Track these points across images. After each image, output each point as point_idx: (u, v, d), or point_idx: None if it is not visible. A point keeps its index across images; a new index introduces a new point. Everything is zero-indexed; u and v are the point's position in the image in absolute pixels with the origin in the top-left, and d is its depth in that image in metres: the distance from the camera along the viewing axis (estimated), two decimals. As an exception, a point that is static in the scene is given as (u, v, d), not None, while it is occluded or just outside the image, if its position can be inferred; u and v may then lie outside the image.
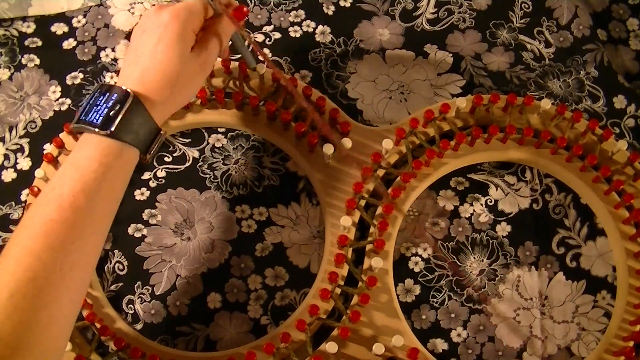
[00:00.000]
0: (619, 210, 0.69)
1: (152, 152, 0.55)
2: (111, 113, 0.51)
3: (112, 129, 0.51)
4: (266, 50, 0.76)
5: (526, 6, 0.81)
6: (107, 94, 0.52)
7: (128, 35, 0.76)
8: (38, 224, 0.48)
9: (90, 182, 0.49)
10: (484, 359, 0.66)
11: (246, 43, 0.70)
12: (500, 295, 0.68)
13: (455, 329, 0.67)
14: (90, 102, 0.52)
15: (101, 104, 0.52)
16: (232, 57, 0.72)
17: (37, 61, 0.75)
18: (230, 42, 0.65)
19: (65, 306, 0.48)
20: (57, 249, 0.47)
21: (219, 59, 0.68)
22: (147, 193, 0.69)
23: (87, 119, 0.51)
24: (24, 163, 0.71)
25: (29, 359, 0.45)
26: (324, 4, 0.79)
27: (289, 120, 0.68)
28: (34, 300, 0.46)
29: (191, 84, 0.57)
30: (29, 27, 0.76)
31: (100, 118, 0.51)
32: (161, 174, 0.70)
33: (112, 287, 0.66)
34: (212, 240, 0.68)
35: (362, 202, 0.67)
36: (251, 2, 0.78)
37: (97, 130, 0.51)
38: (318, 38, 0.77)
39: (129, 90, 0.52)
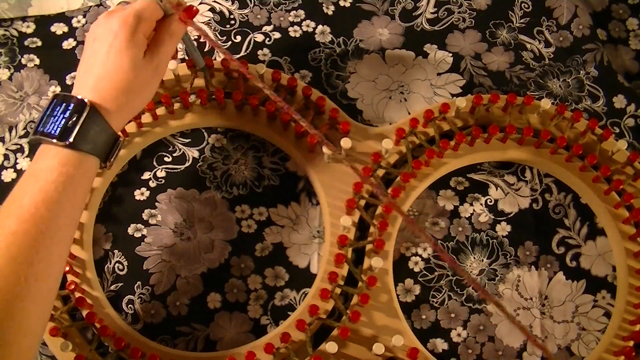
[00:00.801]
0: (619, 210, 0.69)
1: (112, 159, 0.55)
2: (69, 123, 0.51)
3: (71, 139, 0.51)
4: (266, 50, 0.76)
5: (526, 6, 0.81)
6: (64, 104, 0.52)
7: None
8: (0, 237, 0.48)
9: (51, 193, 0.49)
10: (484, 359, 0.66)
11: (195, 41, 0.70)
12: (500, 295, 0.68)
13: (455, 329, 0.67)
14: (47, 113, 0.52)
15: (58, 115, 0.51)
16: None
17: (37, 61, 0.75)
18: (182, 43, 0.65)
19: (33, 318, 0.48)
20: (20, 260, 0.47)
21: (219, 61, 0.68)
22: (147, 193, 0.69)
23: (44, 130, 0.51)
24: (24, 163, 0.71)
25: None
26: (323, 4, 0.79)
27: (289, 120, 0.68)
28: (0, 314, 0.46)
29: (147, 89, 0.57)
30: (29, 27, 0.76)
31: (58, 129, 0.51)
32: (161, 174, 0.70)
33: (112, 287, 0.66)
34: (212, 240, 0.68)
35: (362, 202, 0.67)
36: (251, 2, 0.78)
37: (55, 141, 0.51)
38: (318, 38, 0.77)
39: (85, 99, 0.52)
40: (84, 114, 0.51)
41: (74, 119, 0.51)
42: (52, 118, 0.52)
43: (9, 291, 0.46)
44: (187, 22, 0.57)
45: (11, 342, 0.46)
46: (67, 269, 0.62)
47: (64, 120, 0.51)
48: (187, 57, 0.69)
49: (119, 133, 0.56)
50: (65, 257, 0.53)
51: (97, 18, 0.56)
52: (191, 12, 0.58)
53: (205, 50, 0.76)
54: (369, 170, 0.66)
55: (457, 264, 0.57)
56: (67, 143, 0.51)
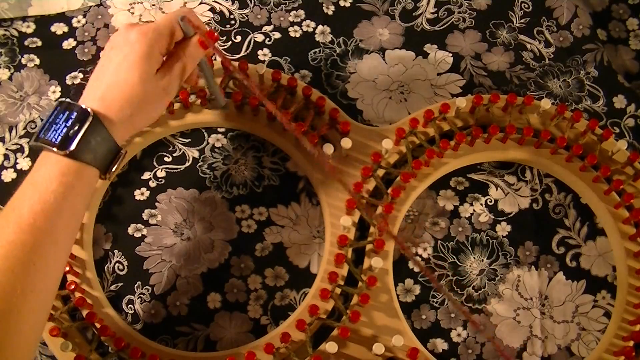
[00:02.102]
0: (619, 210, 0.69)
1: (113, 171, 0.54)
2: (70, 132, 0.50)
3: (71, 148, 0.50)
4: (266, 50, 0.76)
5: (526, 6, 0.81)
6: (67, 112, 0.52)
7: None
8: None
9: (50, 203, 0.49)
10: (484, 359, 0.66)
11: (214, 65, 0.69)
12: (500, 295, 0.68)
13: (455, 329, 0.67)
14: (50, 120, 0.52)
15: (60, 122, 0.51)
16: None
17: (37, 61, 0.75)
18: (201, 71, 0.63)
19: (29, 329, 0.48)
20: (17, 271, 0.47)
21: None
22: (147, 193, 0.69)
23: (46, 137, 0.51)
24: (24, 163, 0.70)
25: None
26: (323, 4, 0.79)
27: (289, 121, 0.68)
28: None
29: (153, 106, 0.56)
30: (29, 27, 0.76)
31: (59, 137, 0.50)
32: (161, 174, 0.70)
33: (112, 287, 0.66)
34: (212, 240, 0.68)
35: (362, 202, 0.67)
36: (251, 2, 0.78)
37: (55, 149, 0.50)
38: (318, 38, 0.77)
39: (88, 109, 0.52)
40: (86, 124, 0.51)
41: (76, 127, 0.51)
42: (54, 125, 0.51)
43: (5, 302, 0.46)
44: (207, 45, 0.56)
45: (7, 356, 0.46)
46: (67, 269, 0.62)
47: (65, 128, 0.51)
48: (208, 95, 0.68)
49: (121, 145, 0.55)
50: (63, 267, 0.53)
51: (119, 28, 0.56)
52: (212, 37, 0.57)
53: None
54: (369, 170, 0.66)
55: (446, 291, 0.57)
56: (68, 152, 0.50)
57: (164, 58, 0.56)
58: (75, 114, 0.51)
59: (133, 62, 0.53)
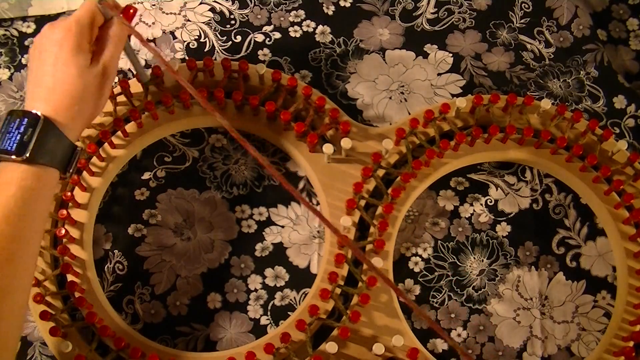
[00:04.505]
0: (619, 210, 0.69)
1: (72, 169, 0.55)
2: (24, 138, 0.51)
3: (27, 154, 0.51)
4: (266, 50, 0.76)
5: (526, 6, 0.81)
6: (18, 119, 0.52)
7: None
8: None
9: (11, 207, 0.49)
10: (484, 359, 0.66)
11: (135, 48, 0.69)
12: (500, 295, 0.68)
13: (455, 329, 0.67)
14: (2, 130, 0.52)
15: (13, 130, 0.52)
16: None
17: (37, 61, 0.75)
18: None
19: (4, 333, 0.48)
20: None
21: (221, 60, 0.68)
22: (147, 193, 0.69)
23: (1, 147, 0.51)
24: (24, 163, 0.70)
25: None
26: (324, 4, 0.79)
27: (289, 120, 0.68)
28: None
29: (98, 94, 0.57)
30: (29, 27, 0.76)
31: (14, 144, 0.51)
32: (161, 174, 0.70)
33: (112, 287, 0.66)
34: (212, 240, 0.68)
35: (362, 202, 0.67)
36: (251, 2, 0.78)
37: (12, 157, 0.51)
38: (318, 38, 0.77)
39: (38, 113, 0.52)
40: (38, 128, 0.52)
41: (29, 133, 0.51)
42: (8, 134, 0.52)
43: None
44: (127, 20, 0.57)
45: None
46: (67, 269, 0.62)
47: (19, 135, 0.51)
48: (133, 72, 0.69)
49: (77, 142, 0.56)
50: (33, 269, 0.53)
51: (41, 30, 0.56)
52: (128, 13, 0.58)
53: (205, 51, 0.76)
54: (369, 170, 0.66)
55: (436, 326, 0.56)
56: (24, 158, 0.51)
57: (93, 46, 0.57)
58: (26, 120, 0.52)
59: (66, 60, 0.54)
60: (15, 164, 0.51)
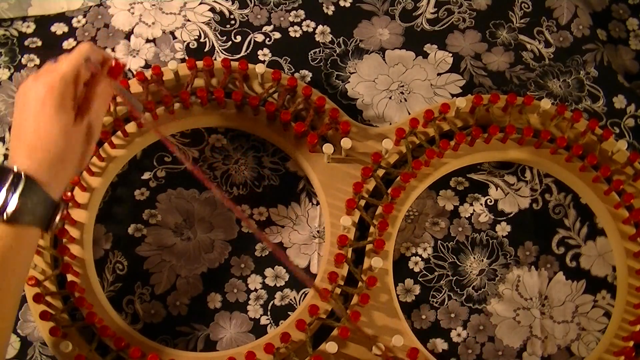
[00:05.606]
0: (619, 210, 0.69)
1: (53, 225, 0.53)
2: (7, 198, 0.50)
3: (8, 215, 0.49)
4: (266, 50, 0.76)
5: (526, 6, 0.81)
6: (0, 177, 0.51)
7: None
8: None
9: None
10: (484, 359, 0.66)
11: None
12: (500, 295, 0.68)
13: (455, 329, 0.67)
14: None
15: None
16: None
17: (37, 61, 0.75)
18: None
19: None
20: None
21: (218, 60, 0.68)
22: (147, 193, 0.69)
23: None
24: (24, 163, 0.70)
25: None
26: (324, 4, 0.79)
27: (289, 120, 0.68)
28: None
29: (82, 152, 0.56)
30: (29, 27, 0.76)
31: None
32: (161, 174, 0.70)
33: (112, 287, 0.66)
34: (212, 240, 0.68)
35: (362, 202, 0.67)
36: (251, 2, 0.78)
37: None
38: (318, 38, 0.77)
39: (21, 172, 0.51)
40: (20, 187, 0.50)
41: (11, 193, 0.50)
42: None
43: None
44: (115, 77, 0.56)
45: None
46: (67, 269, 0.62)
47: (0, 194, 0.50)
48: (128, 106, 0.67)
49: (58, 199, 0.54)
50: (11, 323, 0.52)
51: (26, 79, 0.54)
52: (117, 69, 0.56)
53: (205, 50, 0.76)
54: (369, 170, 0.66)
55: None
56: (5, 218, 0.49)
57: (78, 101, 0.55)
58: (9, 178, 0.50)
59: (49, 118, 0.52)
60: None
